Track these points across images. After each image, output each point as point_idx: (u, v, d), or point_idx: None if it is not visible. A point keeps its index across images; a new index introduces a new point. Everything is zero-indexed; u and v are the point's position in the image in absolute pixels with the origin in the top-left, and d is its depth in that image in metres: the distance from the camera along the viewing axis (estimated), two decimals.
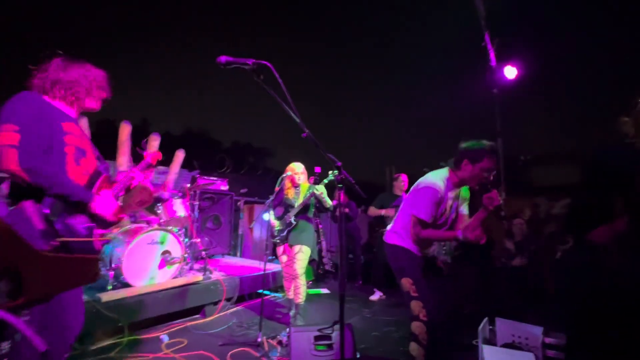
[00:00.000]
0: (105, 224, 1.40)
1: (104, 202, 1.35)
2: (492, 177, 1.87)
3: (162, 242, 3.08)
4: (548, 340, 2.15)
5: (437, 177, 1.96)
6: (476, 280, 3.83)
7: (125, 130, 3.43)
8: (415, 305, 1.87)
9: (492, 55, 3.84)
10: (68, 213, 1.25)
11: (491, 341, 2.35)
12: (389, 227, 2.19)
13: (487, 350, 2.03)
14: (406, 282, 1.93)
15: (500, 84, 4.09)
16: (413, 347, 1.87)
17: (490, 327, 2.44)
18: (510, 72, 3.80)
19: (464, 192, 2.09)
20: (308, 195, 2.88)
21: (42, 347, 0.49)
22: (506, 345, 2.25)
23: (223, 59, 1.25)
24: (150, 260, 2.98)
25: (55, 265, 0.59)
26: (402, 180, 4.23)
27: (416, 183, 2.07)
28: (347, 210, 5.10)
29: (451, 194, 1.98)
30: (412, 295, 1.88)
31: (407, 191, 4.22)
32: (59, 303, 1.15)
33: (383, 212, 4.14)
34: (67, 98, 1.41)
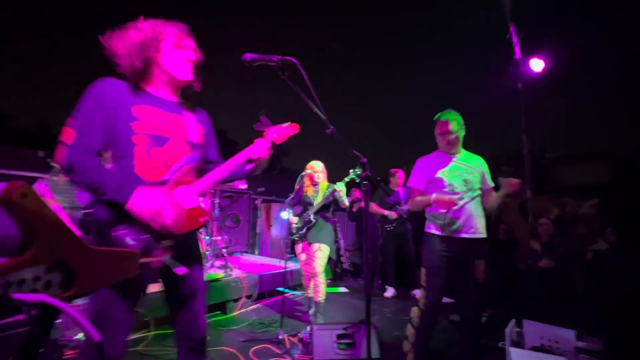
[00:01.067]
0: (162, 235, 1.08)
1: (143, 204, 1.01)
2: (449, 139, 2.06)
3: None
4: (582, 344, 2.05)
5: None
6: (499, 281, 3.72)
7: None
8: (420, 293, 2.10)
9: (517, 48, 3.69)
10: (116, 220, 1.02)
11: (519, 344, 2.27)
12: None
13: (515, 353, 1.96)
14: (422, 271, 2.12)
15: (525, 78, 3.93)
16: (408, 327, 2.14)
17: (518, 329, 2.36)
18: (537, 65, 3.65)
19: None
20: (328, 193, 2.87)
21: (97, 337, 0.50)
22: (535, 349, 2.17)
23: (248, 56, 1.24)
24: None
25: (100, 258, 0.60)
26: (399, 176, 4.26)
27: None
28: (362, 204, 5.08)
29: (446, 163, 2.10)
30: (422, 284, 2.10)
31: (404, 185, 4.20)
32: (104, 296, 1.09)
33: (386, 212, 4.15)
34: (135, 68, 1.14)
